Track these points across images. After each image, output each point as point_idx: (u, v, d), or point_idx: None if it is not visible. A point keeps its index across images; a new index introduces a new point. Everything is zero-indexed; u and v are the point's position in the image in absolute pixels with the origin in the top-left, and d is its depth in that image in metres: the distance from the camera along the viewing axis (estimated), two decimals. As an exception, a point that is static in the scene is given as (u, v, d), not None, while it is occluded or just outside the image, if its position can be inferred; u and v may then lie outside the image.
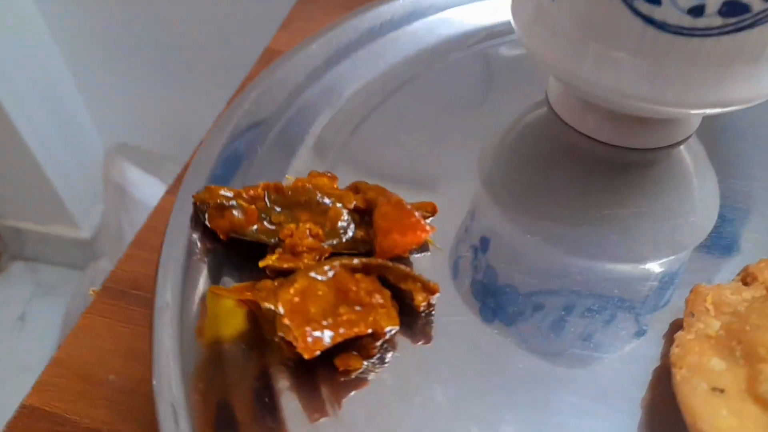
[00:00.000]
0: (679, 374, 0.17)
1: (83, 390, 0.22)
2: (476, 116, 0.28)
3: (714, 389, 0.17)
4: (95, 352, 0.23)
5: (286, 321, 0.17)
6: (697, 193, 0.25)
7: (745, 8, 0.18)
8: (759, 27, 0.19)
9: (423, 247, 0.22)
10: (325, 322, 0.17)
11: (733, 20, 0.19)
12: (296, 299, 0.17)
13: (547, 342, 0.19)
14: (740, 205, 0.24)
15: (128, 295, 0.25)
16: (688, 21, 0.19)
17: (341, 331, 0.17)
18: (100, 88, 0.78)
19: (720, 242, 0.22)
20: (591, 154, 0.26)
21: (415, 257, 0.22)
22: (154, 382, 0.17)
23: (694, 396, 0.16)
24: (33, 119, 0.73)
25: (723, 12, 0.19)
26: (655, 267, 0.22)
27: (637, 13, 0.20)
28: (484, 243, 0.22)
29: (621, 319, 0.20)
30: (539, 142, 0.26)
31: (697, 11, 0.19)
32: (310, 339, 0.17)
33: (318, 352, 0.17)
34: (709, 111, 0.22)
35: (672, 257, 0.22)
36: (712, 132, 0.27)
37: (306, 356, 0.17)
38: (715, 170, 0.25)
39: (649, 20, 0.19)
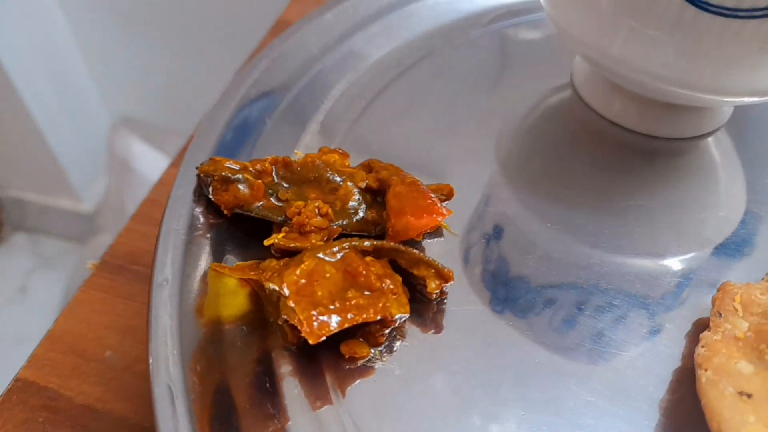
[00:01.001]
0: (704, 376, 0.16)
1: (78, 366, 0.22)
2: (494, 97, 0.27)
3: (741, 393, 0.16)
4: (92, 327, 0.23)
5: (291, 303, 0.16)
6: (724, 187, 0.24)
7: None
8: (809, 10, 0.18)
9: (436, 232, 0.21)
10: (332, 306, 0.16)
11: (781, 2, 0.17)
12: (302, 281, 0.17)
13: (563, 337, 0.19)
14: (770, 201, 0.23)
15: (127, 270, 0.25)
16: (731, 1, 0.18)
17: (349, 316, 0.16)
18: (107, 60, 0.76)
19: (748, 239, 0.21)
20: (615, 141, 0.25)
21: (427, 242, 0.21)
22: (151, 361, 0.16)
23: (721, 400, 0.16)
24: (37, 90, 0.72)
25: (771, -8, 0.17)
26: (679, 262, 0.21)
27: (677, -11, 0.18)
28: (500, 230, 0.21)
29: (642, 316, 0.19)
30: (561, 126, 0.25)
31: (743, -10, 0.17)
32: (315, 323, 0.16)
33: (323, 338, 0.16)
34: (746, 100, 0.20)
35: (697, 252, 0.21)
36: (741, 126, 0.26)
37: (311, 341, 0.16)
38: (742, 165, 0.24)
39: (690, -2, 0.18)
